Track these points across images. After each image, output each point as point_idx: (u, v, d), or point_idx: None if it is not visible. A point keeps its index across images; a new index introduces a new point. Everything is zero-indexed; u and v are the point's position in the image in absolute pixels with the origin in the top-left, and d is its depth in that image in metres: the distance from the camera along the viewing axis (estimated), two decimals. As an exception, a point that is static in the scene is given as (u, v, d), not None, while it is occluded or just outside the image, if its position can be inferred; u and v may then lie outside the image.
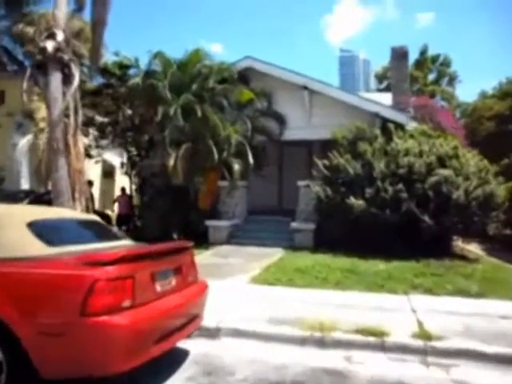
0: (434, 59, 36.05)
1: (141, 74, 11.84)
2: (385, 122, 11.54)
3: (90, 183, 11.80)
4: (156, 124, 11.01)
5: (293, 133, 12.85)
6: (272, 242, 11.45)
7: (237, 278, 7.74)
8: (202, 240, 11.73)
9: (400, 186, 9.65)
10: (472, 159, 10.60)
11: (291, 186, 14.88)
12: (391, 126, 11.14)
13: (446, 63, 36.53)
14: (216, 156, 10.82)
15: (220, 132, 10.87)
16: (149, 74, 11.71)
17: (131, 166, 14.35)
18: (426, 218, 9.46)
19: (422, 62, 34.65)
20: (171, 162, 10.64)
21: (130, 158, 14.36)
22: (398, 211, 9.62)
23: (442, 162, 10.14)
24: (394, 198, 9.65)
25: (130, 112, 12.97)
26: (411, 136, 11.04)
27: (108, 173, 19.57)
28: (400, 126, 11.29)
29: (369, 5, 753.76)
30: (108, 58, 13.78)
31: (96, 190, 16.20)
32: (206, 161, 11.14)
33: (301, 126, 12.77)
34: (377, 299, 6.41)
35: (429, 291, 6.85)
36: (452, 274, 7.97)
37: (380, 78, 36.47)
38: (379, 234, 9.60)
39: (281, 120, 12.78)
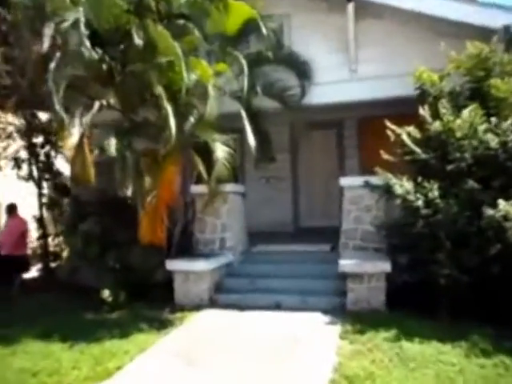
0: None
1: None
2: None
3: None
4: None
5: (323, 91, 7.05)
6: (298, 301, 5.73)
7: None
8: (162, 300, 5.95)
9: None
10: None
11: (320, 189, 9.32)
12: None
13: None
14: (173, 130, 4.97)
15: (182, 76, 5.04)
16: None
17: (36, 162, 8.43)
18: None
19: None
20: (70, 144, 4.82)
21: (30, 149, 8.37)
22: None
23: None
24: None
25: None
26: None
27: None
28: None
29: None
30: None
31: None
32: (155, 142, 5.31)
33: (338, 80, 7.01)
34: None
35: None
36: None
37: None
38: None
39: (303, 69, 6.97)
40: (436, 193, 4.58)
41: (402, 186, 4.82)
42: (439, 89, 5.35)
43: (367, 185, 6.03)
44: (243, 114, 5.94)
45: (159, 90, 4.89)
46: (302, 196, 9.98)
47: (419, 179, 4.82)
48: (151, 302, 5.91)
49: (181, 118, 5.06)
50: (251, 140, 5.86)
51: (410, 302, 5.10)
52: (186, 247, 6.87)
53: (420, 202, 4.61)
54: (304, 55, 6.99)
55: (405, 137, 5.14)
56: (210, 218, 6.85)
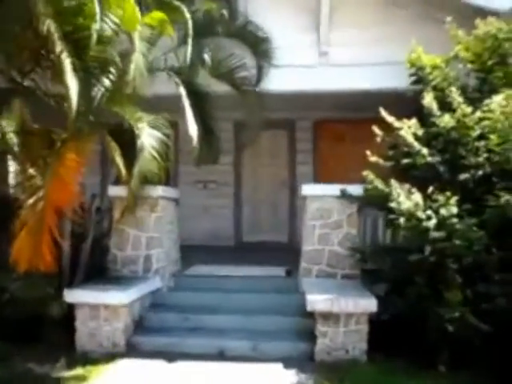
0: None
1: None
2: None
3: None
4: None
5: (285, 76, 5.65)
6: (249, 347, 4.27)
7: None
8: (57, 346, 4.20)
9: None
10: None
11: (267, 198, 8.02)
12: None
13: None
14: (74, 100, 3.25)
15: (94, 17, 3.36)
16: None
17: None
18: None
19: None
20: None
21: None
22: None
23: None
24: None
25: None
26: None
27: None
28: None
29: None
30: None
31: None
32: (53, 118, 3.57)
33: (304, 64, 5.67)
34: None
35: None
36: None
37: None
38: None
39: (262, 47, 5.50)
40: (454, 210, 3.33)
41: (409, 198, 3.51)
42: (444, 75, 4.17)
43: (344, 195, 4.70)
44: (183, 92, 4.38)
45: (50, 25, 3.13)
46: (246, 206, 8.56)
47: (430, 190, 3.55)
48: (40, 351, 4.12)
49: (89, 82, 3.39)
50: (192, 129, 4.31)
51: (395, 344, 3.86)
52: (99, 269, 5.14)
53: (433, 222, 3.33)
54: (263, 29, 5.56)
55: (405, 132, 3.87)
56: (133, 229, 5.17)
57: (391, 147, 4.02)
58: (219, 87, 5.36)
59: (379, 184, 3.75)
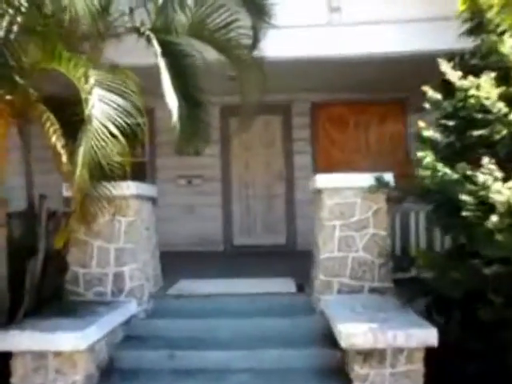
0: None
1: None
2: None
3: None
4: None
5: (287, 40, 4.48)
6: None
7: None
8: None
9: None
10: None
11: (260, 194, 7.00)
12: None
13: None
14: None
15: None
16: None
17: None
18: None
19: None
20: None
21: None
22: None
23: None
24: None
25: None
26: None
27: None
28: None
29: None
30: None
31: None
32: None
33: (310, 23, 4.52)
34: None
35: None
36: None
37: None
38: None
39: (259, 2, 4.29)
40: None
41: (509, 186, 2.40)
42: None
43: (380, 184, 3.57)
44: (157, 49, 3.17)
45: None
46: (237, 204, 7.42)
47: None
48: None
49: None
50: (170, 99, 3.09)
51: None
52: (54, 293, 3.92)
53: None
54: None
55: (481, 91, 2.73)
56: (98, 240, 3.96)
57: (448, 116, 2.89)
58: (205, 53, 4.15)
59: (442, 168, 2.62)
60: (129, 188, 3.89)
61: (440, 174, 2.59)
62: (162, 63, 3.14)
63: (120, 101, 2.57)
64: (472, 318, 3.10)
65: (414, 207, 3.92)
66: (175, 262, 5.47)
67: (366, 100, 7.20)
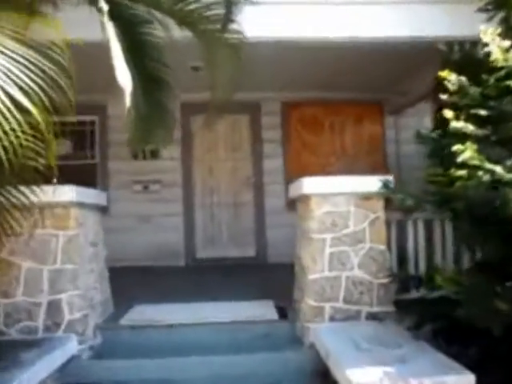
0: None
1: None
2: None
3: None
4: None
5: (274, 19, 3.78)
6: None
7: None
8: None
9: None
10: None
11: (225, 202, 6.35)
12: None
13: None
14: None
15: None
16: None
17: None
18: None
19: None
20: None
21: None
22: None
23: None
24: None
25: None
26: None
27: None
28: None
29: None
30: None
31: None
32: None
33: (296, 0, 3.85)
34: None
35: None
36: None
37: None
38: None
39: None
40: None
41: None
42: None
43: (388, 190, 2.93)
44: (104, 8, 2.38)
45: None
46: (200, 212, 6.64)
47: None
48: None
49: None
50: (124, 80, 2.30)
51: None
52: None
53: None
54: None
55: None
56: (27, 260, 3.09)
57: (476, 104, 2.29)
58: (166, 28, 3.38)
59: (489, 165, 1.99)
60: (68, 194, 3.05)
61: (481, 173, 1.97)
62: (109, 27, 2.36)
63: (22, 52, 1.69)
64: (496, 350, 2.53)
65: (420, 215, 3.31)
66: (129, 281, 4.65)
67: (342, 100, 6.65)
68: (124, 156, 6.46)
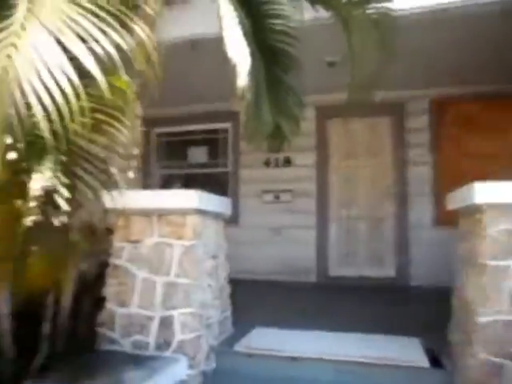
0: None
1: None
2: None
3: None
4: None
5: None
6: None
7: None
8: None
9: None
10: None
11: (363, 214, 5.72)
12: None
13: None
14: None
15: None
16: None
17: None
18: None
19: None
20: None
21: None
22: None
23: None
24: None
25: None
26: None
27: None
28: None
29: None
30: None
31: None
32: None
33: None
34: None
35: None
36: None
37: None
38: None
39: None
40: None
41: None
42: None
43: None
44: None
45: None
46: (335, 225, 6.02)
47: None
48: None
49: None
50: (236, 51, 1.86)
51: None
52: (86, 338, 2.90)
53: None
54: None
55: None
56: (143, 269, 2.87)
57: None
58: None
59: None
60: (182, 199, 2.76)
61: None
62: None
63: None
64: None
65: None
66: (254, 297, 4.27)
67: (501, 93, 5.44)
68: (256, 164, 6.22)
